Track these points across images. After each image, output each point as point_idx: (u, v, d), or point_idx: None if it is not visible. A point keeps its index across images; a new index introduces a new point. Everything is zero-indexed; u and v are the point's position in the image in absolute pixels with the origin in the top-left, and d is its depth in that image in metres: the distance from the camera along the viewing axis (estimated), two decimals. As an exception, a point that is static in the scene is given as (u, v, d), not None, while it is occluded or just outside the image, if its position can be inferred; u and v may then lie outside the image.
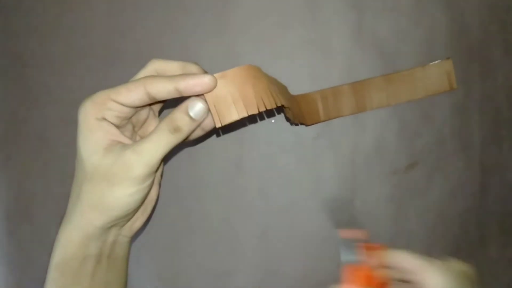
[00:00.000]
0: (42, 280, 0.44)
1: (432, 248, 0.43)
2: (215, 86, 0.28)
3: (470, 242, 0.44)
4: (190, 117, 0.29)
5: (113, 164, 0.27)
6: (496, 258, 0.44)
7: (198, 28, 0.44)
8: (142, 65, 0.43)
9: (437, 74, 0.43)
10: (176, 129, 0.28)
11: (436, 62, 0.43)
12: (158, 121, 0.32)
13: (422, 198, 0.43)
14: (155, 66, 0.31)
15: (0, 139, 0.44)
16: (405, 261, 0.31)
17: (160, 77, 0.28)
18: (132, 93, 0.28)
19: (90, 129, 0.28)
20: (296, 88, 0.44)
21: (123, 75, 0.44)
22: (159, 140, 0.27)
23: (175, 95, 0.28)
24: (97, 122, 0.28)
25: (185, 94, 0.28)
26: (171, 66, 0.30)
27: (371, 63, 0.44)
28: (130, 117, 0.30)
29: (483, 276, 0.44)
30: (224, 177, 0.43)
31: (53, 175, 0.44)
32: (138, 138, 0.32)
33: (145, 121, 0.31)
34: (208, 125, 0.31)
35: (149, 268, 0.44)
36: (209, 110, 0.29)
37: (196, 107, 0.28)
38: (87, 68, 0.44)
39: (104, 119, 0.28)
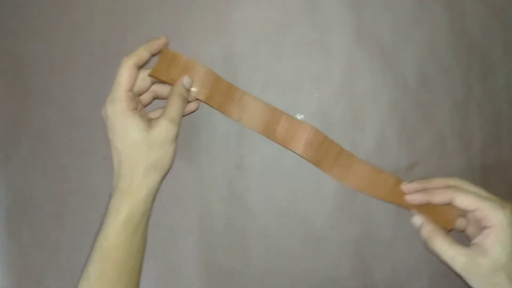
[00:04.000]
0: (42, 280, 0.44)
1: (432, 248, 0.43)
2: (165, 41, 0.40)
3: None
4: (185, 88, 0.40)
5: (158, 132, 0.37)
6: (497, 258, 0.44)
7: (198, 28, 0.44)
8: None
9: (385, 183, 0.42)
10: (183, 98, 0.39)
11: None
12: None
13: (423, 198, 0.43)
14: (130, 63, 0.38)
15: (0, 139, 0.44)
16: (468, 201, 0.37)
17: (139, 50, 0.39)
18: (129, 74, 0.38)
19: (131, 116, 0.37)
20: (296, 88, 0.44)
21: (123, 75, 0.44)
22: (178, 107, 0.38)
23: (150, 55, 0.39)
24: (133, 112, 0.38)
25: (154, 52, 0.40)
26: (143, 52, 0.39)
27: (371, 63, 0.43)
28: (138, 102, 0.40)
29: None
30: (224, 177, 0.43)
31: (53, 176, 0.44)
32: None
33: (145, 106, 0.42)
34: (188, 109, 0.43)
35: (149, 268, 0.44)
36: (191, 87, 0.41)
37: (186, 81, 0.40)
38: (86, 68, 0.44)
39: (134, 108, 0.38)
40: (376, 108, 0.44)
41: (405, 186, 0.41)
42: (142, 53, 0.39)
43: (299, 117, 0.43)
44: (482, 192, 0.39)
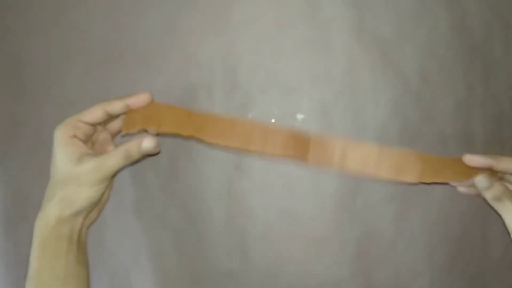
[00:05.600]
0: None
1: (433, 248, 0.43)
2: (151, 99, 0.39)
3: (472, 242, 0.43)
4: (140, 151, 0.39)
5: (82, 171, 0.37)
6: (498, 258, 0.44)
7: (198, 27, 0.43)
8: (141, 65, 0.43)
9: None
10: (128, 156, 0.38)
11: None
12: (112, 142, 0.42)
13: (424, 198, 0.43)
14: (104, 105, 0.39)
15: (-2, 139, 0.44)
16: (505, 162, 0.39)
17: (113, 99, 0.39)
18: (94, 113, 0.39)
19: (65, 144, 0.38)
20: (296, 87, 0.43)
21: (121, 75, 0.44)
22: (115, 160, 0.38)
23: (125, 109, 0.39)
24: (70, 139, 0.38)
25: (132, 107, 0.39)
26: (117, 101, 0.39)
27: (372, 62, 0.43)
28: (92, 135, 0.40)
29: (485, 276, 0.43)
30: (224, 178, 0.43)
31: (51, 175, 0.43)
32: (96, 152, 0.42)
33: (103, 141, 0.42)
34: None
35: (149, 269, 0.44)
36: (155, 147, 0.39)
37: (145, 144, 0.39)
38: (84, 67, 0.44)
39: (75, 136, 0.38)
40: (377, 107, 0.43)
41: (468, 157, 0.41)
42: (114, 102, 0.39)
43: (300, 117, 0.43)
44: None
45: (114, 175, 0.40)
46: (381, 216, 0.43)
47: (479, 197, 0.41)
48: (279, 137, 0.40)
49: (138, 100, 0.39)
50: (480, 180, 0.39)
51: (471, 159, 0.40)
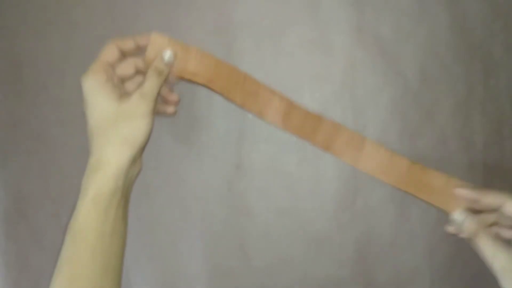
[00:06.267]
0: (40, 280, 0.43)
1: (433, 248, 0.43)
2: (157, 38, 0.40)
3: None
4: (165, 63, 0.40)
5: (130, 104, 0.36)
6: (499, 259, 0.43)
7: (198, 27, 0.43)
8: (141, 64, 0.43)
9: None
10: (160, 72, 0.39)
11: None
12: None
13: (424, 198, 0.43)
14: (112, 43, 0.39)
15: (-2, 139, 0.44)
16: (491, 198, 0.38)
17: (125, 38, 0.40)
18: (111, 52, 0.39)
19: (103, 87, 0.37)
20: (296, 87, 0.43)
21: (122, 75, 0.44)
22: (152, 82, 0.38)
23: (136, 45, 0.40)
24: (106, 83, 0.37)
25: (141, 44, 0.40)
26: (128, 39, 0.40)
27: (372, 62, 0.43)
28: (122, 82, 0.40)
29: (485, 276, 0.43)
30: (224, 178, 0.43)
31: (51, 175, 0.43)
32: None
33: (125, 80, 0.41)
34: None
35: (149, 268, 0.44)
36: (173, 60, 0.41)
37: (167, 55, 0.40)
38: (85, 67, 0.44)
39: (109, 79, 0.38)
40: (377, 107, 0.43)
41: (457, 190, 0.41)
42: (126, 40, 0.39)
43: None
44: None
45: (156, 101, 0.39)
46: (381, 216, 0.43)
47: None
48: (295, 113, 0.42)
49: (145, 38, 0.40)
50: (457, 216, 0.39)
51: (459, 192, 0.40)
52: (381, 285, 0.43)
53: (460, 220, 0.39)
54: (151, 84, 0.38)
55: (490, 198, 0.39)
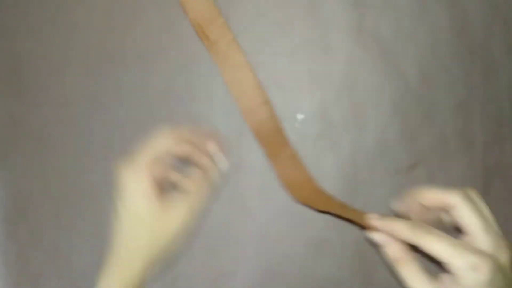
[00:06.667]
0: (40, 280, 0.43)
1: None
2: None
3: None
4: (221, 173, 0.36)
5: (174, 220, 0.33)
6: (499, 259, 0.43)
7: (197, 27, 0.43)
8: (141, 65, 0.43)
9: None
10: (211, 182, 0.35)
11: None
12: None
13: (424, 198, 0.43)
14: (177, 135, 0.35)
15: (-2, 139, 0.44)
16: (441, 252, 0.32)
17: (186, 133, 0.35)
18: (165, 140, 0.34)
19: (146, 192, 0.33)
20: (296, 87, 0.43)
21: (121, 75, 0.44)
22: (203, 195, 0.34)
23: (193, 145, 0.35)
24: (150, 187, 0.33)
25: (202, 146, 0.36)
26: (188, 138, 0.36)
27: (372, 62, 0.43)
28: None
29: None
30: (224, 177, 0.43)
31: (51, 175, 0.43)
32: None
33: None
34: None
35: (148, 269, 0.44)
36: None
37: (223, 165, 0.37)
38: (85, 67, 0.44)
39: (154, 179, 0.33)
40: (377, 108, 0.43)
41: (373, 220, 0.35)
42: (187, 135, 0.35)
43: (300, 117, 0.43)
44: (480, 226, 0.32)
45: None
46: (381, 216, 0.43)
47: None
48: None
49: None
50: (373, 237, 0.34)
51: (373, 223, 0.34)
52: (381, 285, 0.43)
53: (380, 241, 0.34)
54: (202, 198, 0.34)
55: (432, 199, 0.33)
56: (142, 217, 0.33)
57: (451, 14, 0.43)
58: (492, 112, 0.43)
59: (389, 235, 0.33)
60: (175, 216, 0.33)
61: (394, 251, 0.33)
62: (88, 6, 0.44)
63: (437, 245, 0.31)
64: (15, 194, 0.44)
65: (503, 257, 0.31)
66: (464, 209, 0.32)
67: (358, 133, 0.43)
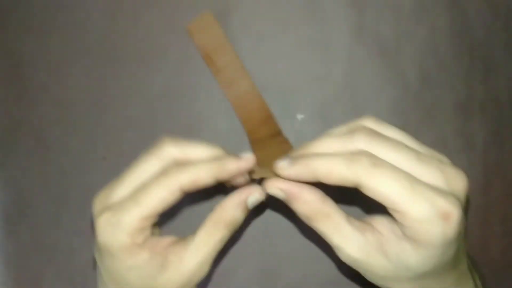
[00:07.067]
0: (40, 280, 0.43)
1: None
2: (249, 165, 0.26)
3: (472, 243, 0.43)
4: (245, 210, 0.25)
5: (178, 277, 0.25)
6: (498, 259, 0.43)
7: (197, 27, 0.43)
8: (141, 65, 0.43)
9: None
10: (232, 226, 0.25)
11: None
12: None
13: (424, 198, 0.43)
14: (171, 153, 0.25)
15: (-2, 139, 0.44)
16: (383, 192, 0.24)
17: (196, 171, 0.24)
18: (165, 199, 0.24)
19: (136, 258, 0.24)
20: (296, 87, 0.43)
21: (121, 74, 0.43)
22: (216, 240, 0.25)
23: (211, 183, 0.25)
24: (141, 247, 0.24)
25: (224, 177, 0.26)
26: (195, 152, 0.26)
27: (372, 62, 0.43)
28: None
29: (485, 277, 0.43)
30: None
31: (51, 175, 0.43)
32: None
33: None
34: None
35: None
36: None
37: (253, 200, 0.26)
38: (85, 67, 0.44)
39: (146, 239, 0.25)
40: (377, 107, 0.43)
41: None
42: (201, 175, 0.24)
43: (300, 117, 0.43)
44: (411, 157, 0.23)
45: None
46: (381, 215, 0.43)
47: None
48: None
49: (236, 171, 0.25)
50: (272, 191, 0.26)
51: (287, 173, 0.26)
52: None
53: (287, 194, 0.26)
54: (215, 243, 0.25)
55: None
56: (127, 282, 0.24)
57: (451, 14, 0.43)
58: (492, 112, 0.43)
59: (301, 181, 0.24)
60: (179, 275, 0.25)
61: (308, 204, 0.25)
62: (89, 7, 0.44)
63: (388, 185, 0.23)
64: (15, 194, 0.44)
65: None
66: (377, 182, 0.23)
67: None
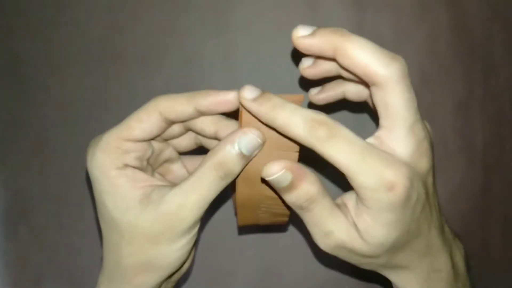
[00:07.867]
0: (40, 280, 0.43)
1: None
2: (238, 104, 0.25)
3: (472, 243, 0.43)
4: (242, 155, 0.24)
5: (156, 218, 0.23)
6: (499, 259, 0.43)
7: (198, 27, 0.43)
8: (141, 65, 0.43)
9: None
10: (226, 174, 0.23)
11: None
12: (180, 160, 0.29)
13: (424, 198, 0.43)
14: (159, 107, 0.25)
15: (-2, 139, 0.44)
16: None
17: (175, 96, 0.25)
18: (146, 123, 0.24)
19: (114, 183, 0.24)
20: (296, 87, 0.43)
21: (121, 74, 0.44)
22: (207, 186, 0.23)
23: (195, 116, 0.25)
24: (119, 172, 0.24)
25: (207, 114, 0.26)
26: (180, 102, 0.25)
27: (372, 62, 0.43)
28: (150, 155, 0.26)
29: (485, 277, 0.43)
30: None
31: (51, 175, 0.43)
32: (159, 178, 0.27)
33: (167, 161, 0.28)
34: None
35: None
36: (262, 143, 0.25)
37: (247, 141, 0.24)
38: (85, 67, 0.44)
39: (126, 165, 0.24)
40: (377, 107, 0.43)
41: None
42: (180, 102, 0.24)
43: None
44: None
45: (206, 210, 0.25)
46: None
47: None
48: None
49: (219, 103, 0.25)
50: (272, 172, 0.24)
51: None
52: (381, 284, 0.43)
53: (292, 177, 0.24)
54: (206, 189, 0.23)
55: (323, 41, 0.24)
56: (117, 224, 0.23)
57: (450, 14, 0.43)
58: (492, 112, 0.43)
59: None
60: (159, 213, 0.23)
61: (313, 186, 0.25)
62: (89, 7, 0.44)
63: (340, 157, 0.23)
64: (15, 194, 0.44)
65: (423, 163, 0.24)
66: (396, 93, 0.23)
67: (358, 133, 0.43)
